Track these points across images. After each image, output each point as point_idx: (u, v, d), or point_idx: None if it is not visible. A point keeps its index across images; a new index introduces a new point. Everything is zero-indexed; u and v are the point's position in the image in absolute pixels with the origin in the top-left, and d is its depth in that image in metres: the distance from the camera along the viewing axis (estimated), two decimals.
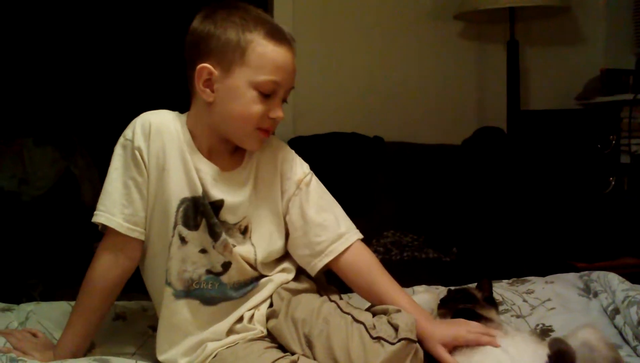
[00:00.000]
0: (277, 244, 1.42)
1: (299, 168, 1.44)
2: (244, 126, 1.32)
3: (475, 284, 1.60)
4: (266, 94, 1.30)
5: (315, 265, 1.40)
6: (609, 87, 2.87)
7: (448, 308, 1.43)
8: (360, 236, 1.42)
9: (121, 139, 1.34)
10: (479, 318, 1.36)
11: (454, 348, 1.27)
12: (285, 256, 1.44)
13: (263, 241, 1.39)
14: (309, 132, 2.81)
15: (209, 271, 1.34)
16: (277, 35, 1.31)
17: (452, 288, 1.59)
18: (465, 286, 1.66)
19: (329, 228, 1.39)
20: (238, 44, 1.28)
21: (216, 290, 1.34)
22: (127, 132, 1.33)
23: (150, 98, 2.85)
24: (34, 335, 1.41)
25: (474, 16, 3.00)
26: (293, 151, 1.48)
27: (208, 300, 1.34)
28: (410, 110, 3.09)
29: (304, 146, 2.69)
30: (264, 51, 1.29)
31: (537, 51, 3.20)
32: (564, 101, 3.11)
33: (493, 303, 1.52)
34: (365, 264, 1.39)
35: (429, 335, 1.26)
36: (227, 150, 1.39)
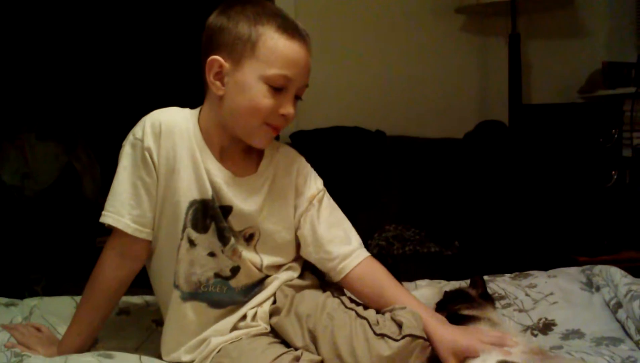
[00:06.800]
0: (285, 256, 1.41)
1: (313, 184, 1.43)
2: (252, 120, 1.29)
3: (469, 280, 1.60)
4: (277, 88, 1.27)
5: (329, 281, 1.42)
6: (611, 80, 2.86)
7: (447, 311, 1.42)
8: (368, 254, 1.41)
9: (130, 138, 1.31)
10: (477, 321, 1.36)
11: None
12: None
13: (270, 252, 1.38)
14: (311, 127, 2.81)
15: (217, 275, 1.33)
16: (289, 29, 1.28)
17: (447, 290, 1.59)
18: (459, 286, 1.66)
19: (340, 245, 1.38)
20: (249, 37, 1.26)
21: (224, 295, 1.34)
22: (137, 130, 1.30)
23: (152, 94, 2.85)
24: (38, 329, 1.41)
25: (475, 9, 2.98)
26: (309, 165, 1.46)
27: (215, 303, 1.34)
28: (412, 104, 3.08)
29: (305, 140, 2.71)
30: (275, 45, 1.26)
31: (539, 44, 3.18)
32: (566, 95, 3.11)
33: (489, 299, 1.53)
34: (375, 277, 1.37)
35: (438, 340, 1.23)
36: (239, 150, 1.37)
